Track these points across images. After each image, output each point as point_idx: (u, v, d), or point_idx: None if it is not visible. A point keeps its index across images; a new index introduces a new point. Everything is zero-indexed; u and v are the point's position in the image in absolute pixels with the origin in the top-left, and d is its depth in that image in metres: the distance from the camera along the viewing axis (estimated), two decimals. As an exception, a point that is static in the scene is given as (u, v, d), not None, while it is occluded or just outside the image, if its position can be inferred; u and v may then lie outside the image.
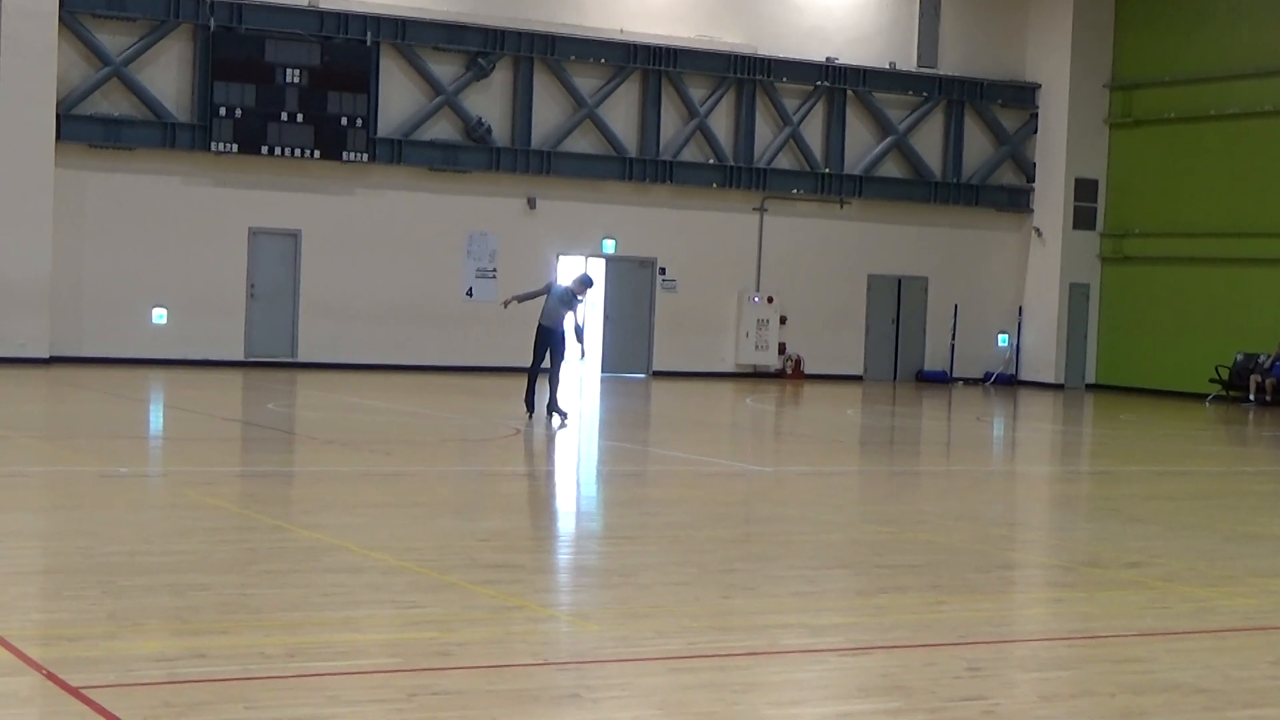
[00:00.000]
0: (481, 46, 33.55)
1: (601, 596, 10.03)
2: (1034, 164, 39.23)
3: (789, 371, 36.96)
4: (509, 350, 31.56)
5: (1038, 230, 38.97)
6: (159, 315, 31.48)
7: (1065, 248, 38.59)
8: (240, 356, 32.15)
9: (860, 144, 37.56)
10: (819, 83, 36.82)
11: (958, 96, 38.30)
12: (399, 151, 32.95)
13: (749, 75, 36.00)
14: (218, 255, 31.88)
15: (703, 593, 10.05)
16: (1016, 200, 39.19)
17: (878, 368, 38.22)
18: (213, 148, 31.21)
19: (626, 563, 11.25)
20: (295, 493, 15.00)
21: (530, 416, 22.62)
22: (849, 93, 37.25)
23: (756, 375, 36.63)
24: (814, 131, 37.14)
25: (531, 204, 34.27)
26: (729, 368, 36.50)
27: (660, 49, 35.05)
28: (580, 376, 32.77)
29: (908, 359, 38.59)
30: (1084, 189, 38.71)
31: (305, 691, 7.21)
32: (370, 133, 32.45)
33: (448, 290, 33.73)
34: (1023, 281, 39.32)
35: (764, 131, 36.55)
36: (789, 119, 36.56)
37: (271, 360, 32.35)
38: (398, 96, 33.14)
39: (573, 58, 34.39)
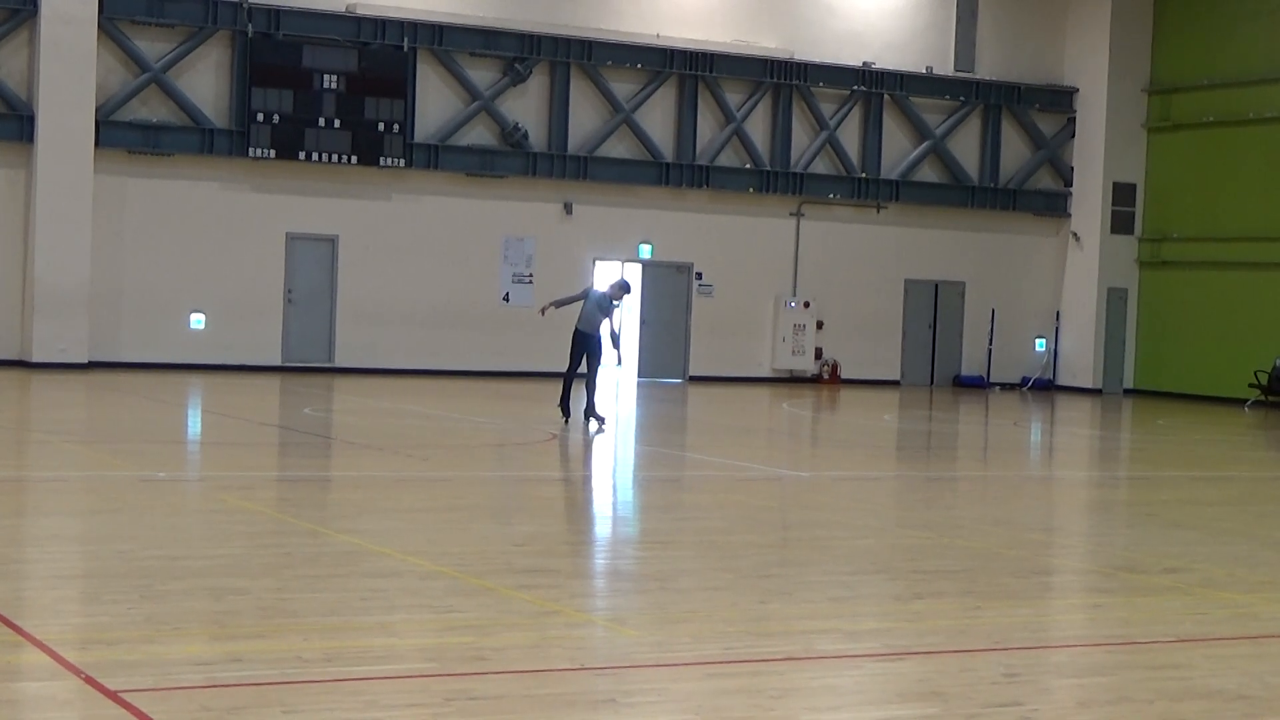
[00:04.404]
0: (518, 52, 33.60)
1: (638, 601, 10.03)
2: (1072, 168, 39.12)
3: (825, 376, 36.90)
4: (545, 355, 31.59)
5: (1075, 235, 38.84)
6: (197, 320, 31.61)
7: (1103, 252, 38.45)
8: (277, 361, 32.25)
9: (897, 148, 37.51)
10: (855, 87, 36.78)
11: (995, 101, 38.20)
12: (436, 157, 33.02)
13: (785, 80, 35.98)
14: (255, 260, 32.01)
15: (739, 598, 10.04)
16: (1054, 205, 39.07)
17: (914, 373, 38.15)
18: (250, 153, 31.33)
19: (663, 568, 11.25)
20: (332, 497, 15.04)
21: (566, 421, 22.64)
22: (886, 97, 37.20)
23: (793, 380, 36.58)
24: (850, 136, 37.09)
25: (568, 209, 34.30)
26: (765, 373, 36.47)
27: (696, 54, 35.05)
28: (617, 381, 32.78)
29: (945, 364, 38.50)
30: (1122, 193, 38.57)
31: (342, 696, 7.24)
32: (407, 138, 32.54)
33: (484, 295, 33.79)
34: (1060, 286, 39.19)
35: (800, 136, 36.52)
36: (825, 124, 36.52)
37: (308, 365, 32.45)
38: (434, 102, 33.21)
39: (609, 63, 34.42)
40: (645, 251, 35.25)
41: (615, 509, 15.48)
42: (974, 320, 38.57)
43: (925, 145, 37.60)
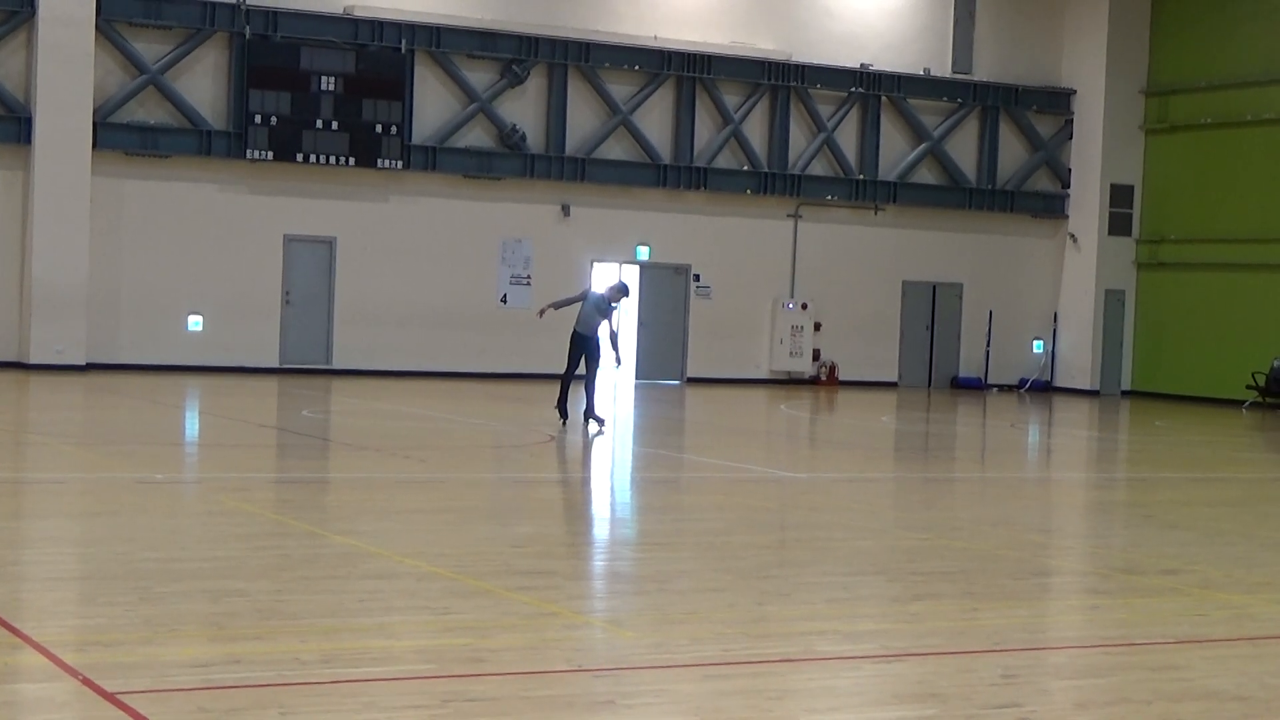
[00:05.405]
0: (515, 53, 33.60)
1: (636, 603, 10.02)
2: (1069, 170, 39.13)
3: (823, 378, 36.91)
4: (543, 356, 31.60)
5: (1073, 236, 38.85)
6: (195, 322, 31.60)
7: (1101, 254, 38.47)
8: (275, 363, 32.24)
9: (895, 150, 37.51)
10: (853, 89, 36.78)
11: (992, 102, 38.21)
12: (433, 159, 33.02)
13: (783, 81, 35.98)
14: (253, 262, 32.00)
15: (737, 599, 10.04)
16: (1052, 206, 39.08)
17: (912, 374, 38.15)
18: (248, 155, 31.32)
19: (661, 569, 11.25)
20: (330, 499, 15.03)
21: (564, 423, 22.63)
22: (883, 99, 37.20)
23: (791, 382, 36.58)
24: (848, 138, 37.10)
25: (566, 211, 34.30)
26: (763, 374, 36.47)
27: (694, 55, 35.05)
28: (615, 383, 32.77)
29: (942, 365, 38.50)
30: (1119, 195, 38.58)
31: (340, 697, 7.23)
32: (405, 140, 32.53)
33: (482, 297, 33.78)
34: (1058, 288, 39.21)
35: (798, 138, 36.52)
36: (823, 125, 36.53)
37: (306, 367, 32.44)
38: (432, 104, 33.21)
39: (607, 64, 34.42)
40: (643, 253, 35.25)
41: (613, 510, 15.48)
42: (972, 322, 38.58)
43: (923, 147, 37.61)
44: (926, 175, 37.95)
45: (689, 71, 35.07)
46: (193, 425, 22.90)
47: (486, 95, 33.51)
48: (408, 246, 33.08)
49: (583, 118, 34.47)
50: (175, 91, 31.16)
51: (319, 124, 31.80)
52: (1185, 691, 8.02)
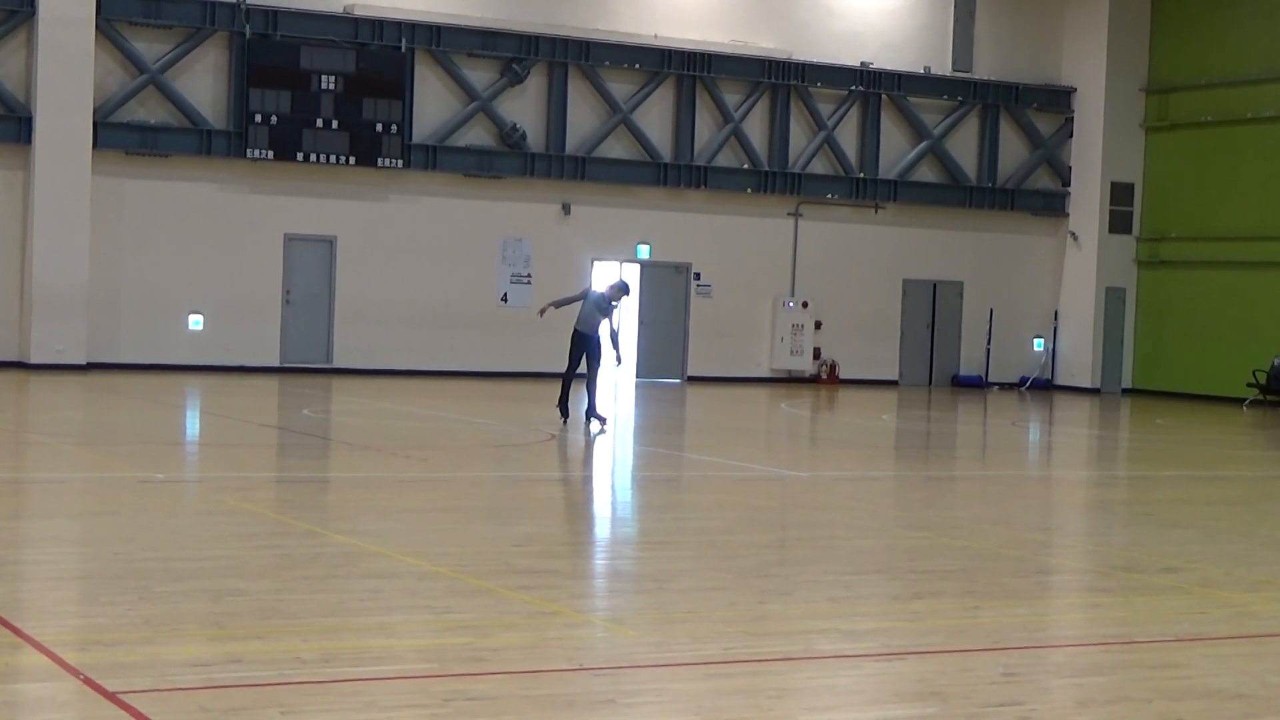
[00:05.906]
0: (516, 52, 33.60)
1: (637, 602, 10.03)
2: (1069, 168, 39.12)
3: (824, 376, 36.91)
4: (544, 355, 31.61)
5: (1073, 234, 38.84)
6: (195, 321, 31.59)
7: (1101, 252, 38.46)
8: (276, 362, 32.24)
9: (895, 149, 37.50)
10: (853, 87, 36.77)
11: (993, 100, 38.20)
12: (434, 158, 33.01)
13: (783, 80, 35.97)
14: (253, 262, 32.00)
15: (738, 598, 10.04)
16: (1052, 204, 39.08)
17: (913, 373, 38.14)
18: (248, 154, 31.31)
19: (662, 568, 11.25)
20: (331, 498, 15.03)
21: (565, 422, 22.64)
22: (884, 97, 37.20)
23: (791, 380, 36.58)
24: (849, 136, 37.09)
25: (566, 209, 34.30)
26: (764, 373, 36.46)
27: (694, 54, 35.05)
28: (615, 382, 32.76)
29: (943, 364, 38.50)
30: (1120, 193, 38.57)
31: (341, 696, 7.23)
32: (405, 139, 32.53)
33: (482, 296, 33.78)
34: (1058, 286, 39.20)
35: (798, 136, 36.52)
36: (823, 124, 36.52)
37: (307, 366, 32.44)
38: (432, 103, 33.21)
39: (607, 63, 34.42)
40: (643, 252, 35.25)
41: (614, 509, 15.48)
42: (972, 320, 38.58)
43: (923, 145, 37.60)
44: (927, 173, 37.95)
45: (689, 70, 35.07)
46: (193, 425, 22.90)
47: (487, 94, 33.50)
48: (408, 245, 33.08)
49: (583, 116, 34.47)
50: (175, 91, 31.16)
51: (319, 123, 31.80)
52: (1186, 690, 8.02)
